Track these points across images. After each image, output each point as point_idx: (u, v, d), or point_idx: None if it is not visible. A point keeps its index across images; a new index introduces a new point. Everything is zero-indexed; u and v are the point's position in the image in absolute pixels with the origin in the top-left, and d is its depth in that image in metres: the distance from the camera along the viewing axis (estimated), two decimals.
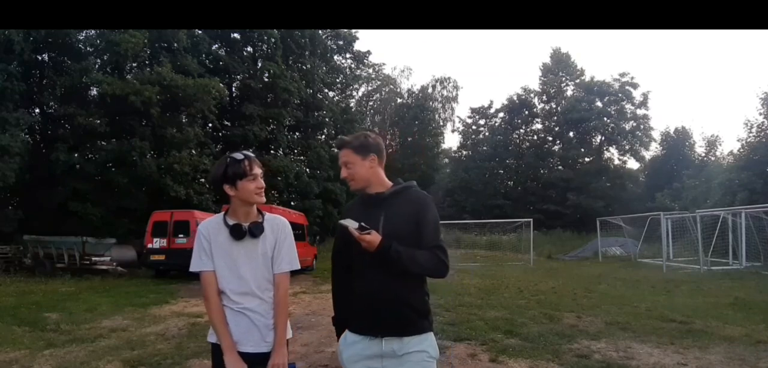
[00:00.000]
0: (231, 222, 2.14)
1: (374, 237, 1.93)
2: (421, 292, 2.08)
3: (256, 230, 2.13)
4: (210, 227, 2.17)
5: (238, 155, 2.13)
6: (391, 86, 43.73)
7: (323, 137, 31.10)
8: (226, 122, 25.56)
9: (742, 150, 26.66)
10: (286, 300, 2.21)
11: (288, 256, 2.21)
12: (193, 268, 2.16)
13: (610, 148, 40.78)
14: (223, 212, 2.20)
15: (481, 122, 44.19)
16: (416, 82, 73.70)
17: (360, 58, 34.89)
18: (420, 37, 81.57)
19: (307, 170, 27.50)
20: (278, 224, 2.22)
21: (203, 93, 19.59)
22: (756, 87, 59.43)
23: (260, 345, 2.13)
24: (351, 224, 1.95)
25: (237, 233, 2.11)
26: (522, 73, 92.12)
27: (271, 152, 25.86)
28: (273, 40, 25.08)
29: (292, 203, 24.50)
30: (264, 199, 2.17)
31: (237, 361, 2.06)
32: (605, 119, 38.76)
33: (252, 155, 2.17)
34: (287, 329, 2.21)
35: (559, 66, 42.52)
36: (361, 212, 2.06)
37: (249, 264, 2.13)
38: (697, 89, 71.38)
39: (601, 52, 76.48)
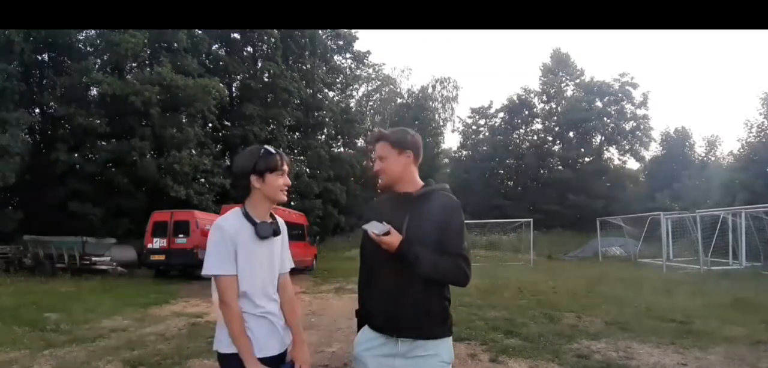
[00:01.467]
0: (257, 220, 2.03)
1: (393, 239, 1.89)
2: (440, 297, 2.02)
3: (279, 230, 2.10)
4: (234, 225, 2.00)
5: (272, 149, 2.07)
6: (391, 86, 43.70)
7: (323, 137, 31.10)
8: (226, 122, 25.58)
9: (742, 150, 26.72)
10: (296, 298, 2.24)
11: (289, 255, 2.21)
12: (212, 270, 1.96)
13: (610, 148, 40.86)
14: (240, 208, 2.06)
15: (481, 122, 44.15)
16: (416, 82, 73.61)
17: (360, 58, 34.88)
18: (420, 37, 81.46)
19: (307, 170, 27.50)
20: (281, 223, 2.20)
21: (203, 93, 19.62)
22: (756, 87, 59.60)
23: (280, 346, 2.11)
24: (370, 227, 1.92)
25: (264, 232, 2.01)
26: (522, 73, 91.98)
27: None
28: (273, 40, 25.10)
29: (292, 203, 24.49)
30: (285, 198, 2.12)
31: None
32: (605, 119, 38.79)
33: (283, 152, 2.16)
34: None
35: (559, 66, 42.48)
36: (389, 210, 2.04)
37: (268, 265, 2.08)
38: (697, 89, 71.39)
39: (601, 52, 76.35)
